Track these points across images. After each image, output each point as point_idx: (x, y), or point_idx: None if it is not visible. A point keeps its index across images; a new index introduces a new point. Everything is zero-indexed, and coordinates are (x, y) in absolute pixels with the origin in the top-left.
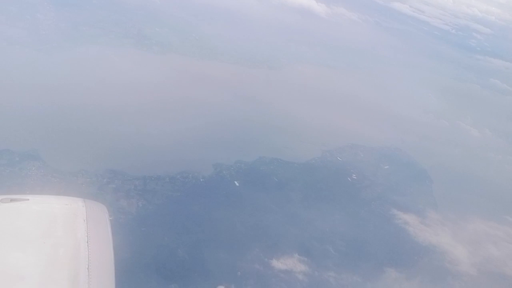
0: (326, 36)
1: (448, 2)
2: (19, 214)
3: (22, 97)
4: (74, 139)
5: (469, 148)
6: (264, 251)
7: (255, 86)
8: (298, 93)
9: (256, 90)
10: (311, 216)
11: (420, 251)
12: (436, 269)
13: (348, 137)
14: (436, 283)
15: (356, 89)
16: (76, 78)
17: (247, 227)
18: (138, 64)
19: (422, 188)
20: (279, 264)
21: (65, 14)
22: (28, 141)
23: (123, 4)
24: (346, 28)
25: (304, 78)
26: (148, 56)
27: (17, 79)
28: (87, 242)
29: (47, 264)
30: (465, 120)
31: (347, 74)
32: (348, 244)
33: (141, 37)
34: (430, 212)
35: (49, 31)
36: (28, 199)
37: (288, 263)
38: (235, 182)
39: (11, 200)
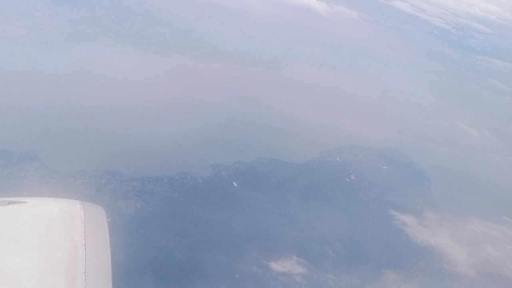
0: (326, 35)
1: (449, 1)
2: (17, 216)
3: (20, 97)
4: (72, 139)
5: (467, 148)
6: (262, 253)
7: (254, 86)
8: (297, 93)
9: (255, 90)
10: (309, 217)
11: (418, 252)
12: (434, 270)
13: (346, 137)
14: (435, 284)
15: (355, 89)
16: (74, 78)
17: (246, 229)
18: (137, 64)
19: (420, 189)
20: (277, 266)
21: (63, 12)
22: (26, 142)
23: (122, 2)
24: (346, 26)
25: (303, 78)
26: (147, 55)
27: (15, 78)
28: (85, 245)
29: (44, 267)
30: (463, 120)
31: (346, 74)
32: (347, 245)
33: (140, 36)
34: (429, 213)
35: (47, 30)
36: (25, 202)
37: (287, 265)
38: (234, 183)
39: (9, 202)
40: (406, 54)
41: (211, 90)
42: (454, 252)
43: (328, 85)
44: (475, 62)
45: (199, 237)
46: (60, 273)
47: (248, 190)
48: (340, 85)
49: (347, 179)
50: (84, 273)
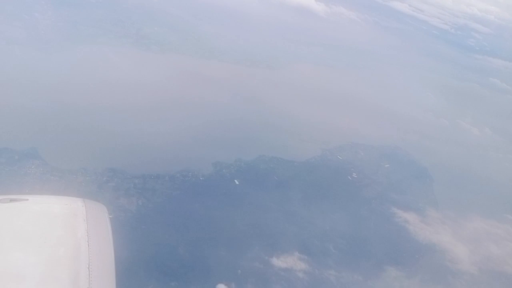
0: (325, 35)
1: (447, 1)
2: (19, 214)
3: (22, 96)
4: (73, 137)
5: (469, 146)
6: (264, 249)
7: (254, 85)
8: (297, 92)
9: (255, 89)
10: (311, 214)
11: (420, 250)
12: (436, 267)
13: (348, 136)
14: (437, 281)
15: (356, 88)
16: (75, 78)
17: (247, 226)
18: (137, 64)
19: (422, 187)
20: (279, 262)
21: (63, 13)
22: (27, 140)
23: (122, 3)
24: (345, 27)
25: (304, 77)
26: (147, 56)
27: (16, 78)
28: (87, 241)
29: (47, 263)
30: (465, 119)
31: (346, 73)
32: (348, 242)
33: (140, 37)
34: (431, 211)
35: (47, 31)
36: (27, 199)
37: (289, 261)
38: (235, 180)
39: (11, 200)
40: (406, 53)
41: (211, 89)
42: (456, 250)
43: (329, 84)
44: (474, 61)
45: (201, 233)
46: (63, 268)
47: (250, 188)
48: (341, 85)
49: (348, 177)
50: (88, 268)
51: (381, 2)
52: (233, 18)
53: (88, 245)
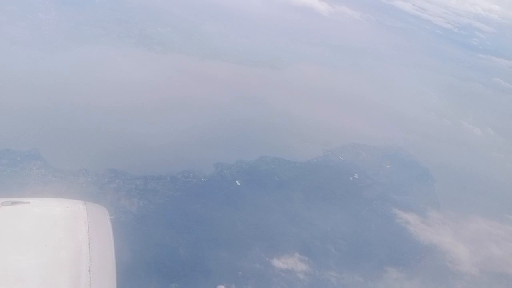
0: (328, 35)
1: (451, 0)
2: (20, 217)
3: (24, 97)
4: (75, 138)
5: (471, 147)
6: (265, 250)
7: (256, 85)
8: (300, 93)
9: (257, 89)
10: (312, 215)
11: (421, 251)
12: (437, 268)
13: (350, 136)
14: (437, 282)
15: (358, 88)
16: (78, 78)
17: (248, 227)
18: (140, 64)
19: (424, 187)
20: (280, 263)
21: (66, 13)
22: (29, 141)
23: (125, 3)
24: (348, 26)
25: (306, 77)
26: (149, 56)
27: (19, 78)
28: (89, 244)
29: (48, 266)
30: (467, 119)
31: (349, 73)
32: (349, 243)
33: (142, 37)
34: (432, 212)
35: (50, 31)
36: (29, 202)
37: (289, 263)
38: (236, 181)
39: (12, 203)
40: (409, 53)
41: (214, 89)
42: (457, 251)
43: (331, 84)
44: (478, 60)
45: (202, 234)
46: (64, 271)
47: (251, 189)
48: (343, 84)
49: (350, 178)
50: (89, 271)
51: (384, 2)
52: (236, 18)
53: (89, 248)
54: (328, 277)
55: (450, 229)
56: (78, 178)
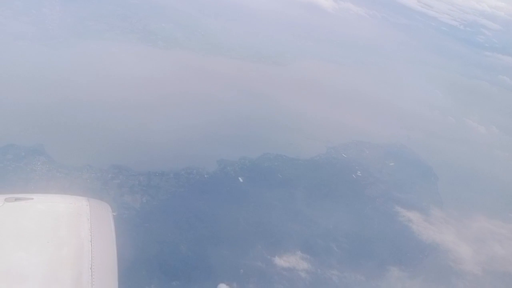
0: (332, 31)
1: None
2: (24, 213)
3: (28, 92)
4: (79, 134)
5: (475, 145)
6: (267, 248)
7: (260, 82)
8: (303, 89)
9: (261, 86)
10: (314, 213)
11: (423, 249)
12: (439, 267)
13: (353, 133)
14: (440, 281)
15: (362, 85)
16: (82, 74)
17: (251, 224)
18: (144, 60)
19: (427, 186)
20: (281, 261)
21: (70, 8)
22: (33, 136)
23: None
24: (353, 23)
25: (310, 74)
26: (153, 52)
27: (23, 74)
28: (91, 241)
29: (50, 263)
30: (472, 117)
31: (353, 70)
32: (352, 241)
33: (146, 33)
34: (435, 210)
35: (55, 26)
36: (32, 198)
37: (291, 261)
38: (239, 178)
39: (16, 199)
40: (414, 50)
41: (217, 86)
42: (460, 250)
43: (335, 81)
44: (484, 58)
45: (204, 231)
46: (66, 268)
47: (254, 186)
48: (347, 81)
49: (353, 176)
50: (90, 268)
51: None
52: (240, 14)
53: (91, 245)
54: (330, 275)
55: (453, 227)
56: (82, 174)
